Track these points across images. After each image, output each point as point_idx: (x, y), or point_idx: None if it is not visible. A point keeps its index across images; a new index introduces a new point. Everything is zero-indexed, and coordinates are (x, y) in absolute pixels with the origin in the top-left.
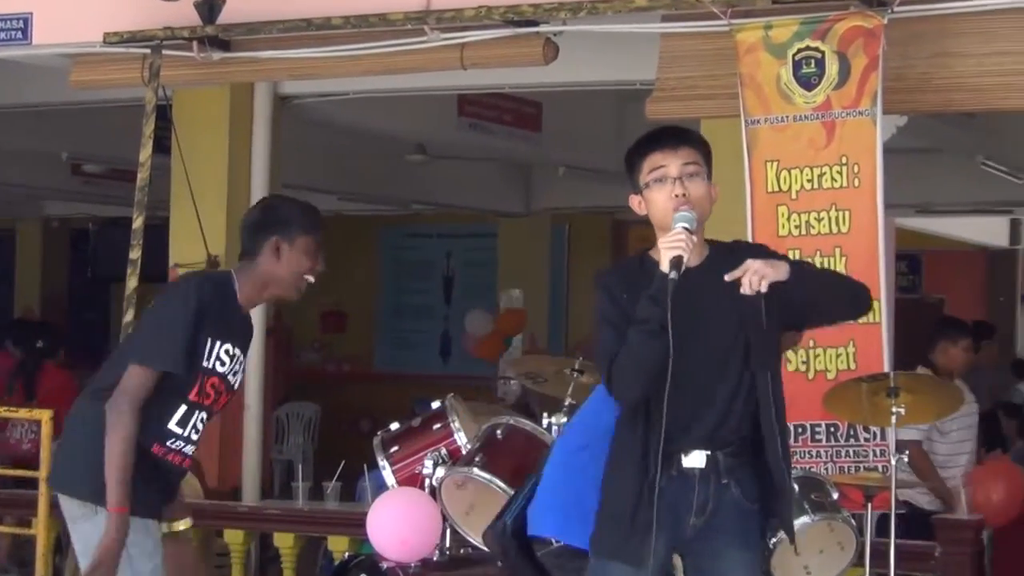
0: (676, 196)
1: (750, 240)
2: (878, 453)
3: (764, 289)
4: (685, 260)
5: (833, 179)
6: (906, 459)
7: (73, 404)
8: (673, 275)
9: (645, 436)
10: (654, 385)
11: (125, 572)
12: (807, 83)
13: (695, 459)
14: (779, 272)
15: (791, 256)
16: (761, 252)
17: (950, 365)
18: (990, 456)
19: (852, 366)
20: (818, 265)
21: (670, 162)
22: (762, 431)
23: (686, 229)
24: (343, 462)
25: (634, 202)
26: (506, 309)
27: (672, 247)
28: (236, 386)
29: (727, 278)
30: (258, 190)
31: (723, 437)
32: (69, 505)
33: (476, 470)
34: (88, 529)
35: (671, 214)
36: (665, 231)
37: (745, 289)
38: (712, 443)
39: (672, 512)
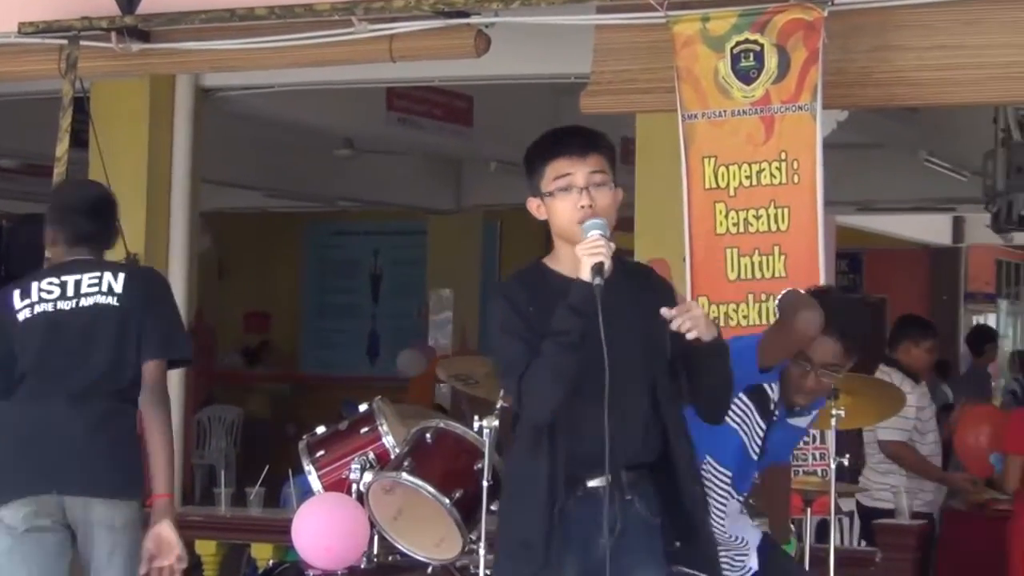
0: (582, 207)
1: (687, 238)
2: (817, 457)
3: (689, 336)
4: (607, 267)
5: (772, 175)
6: (846, 463)
7: (83, 408)
8: (598, 281)
9: (552, 458)
10: (564, 403)
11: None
12: (745, 77)
13: (599, 479)
14: (708, 333)
15: (729, 254)
16: (668, 291)
17: (915, 365)
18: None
19: None
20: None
21: (577, 170)
22: (672, 457)
23: (603, 236)
24: (267, 467)
25: (532, 205)
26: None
27: (593, 253)
28: None
29: (664, 313)
30: (179, 186)
31: (629, 460)
32: (116, 511)
33: (405, 475)
34: (138, 532)
35: (575, 225)
36: (566, 239)
37: (674, 324)
38: (616, 466)
39: (582, 535)
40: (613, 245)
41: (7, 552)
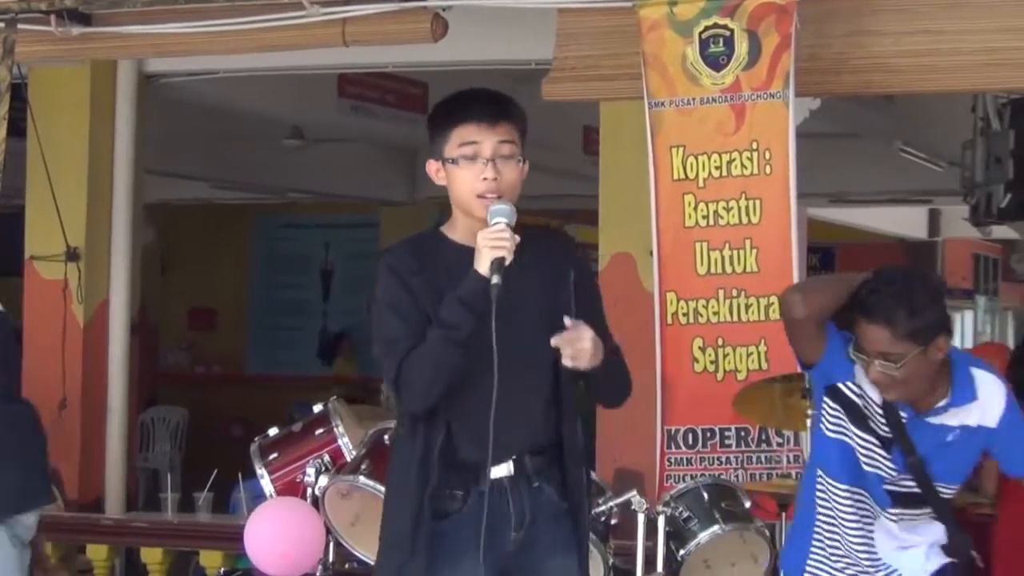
0: (485, 179)
1: (654, 231)
2: (792, 459)
3: (567, 364)
4: (507, 262)
5: (743, 166)
6: None
7: None
8: (496, 280)
9: (426, 443)
10: (448, 394)
11: None
12: (715, 63)
13: (502, 468)
14: (591, 362)
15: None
16: (571, 254)
17: None
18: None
19: (764, 366)
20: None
21: (484, 139)
22: (563, 437)
23: (508, 225)
24: (215, 471)
25: (431, 168)
26: None
27: (494, 246)
28: None
29: (553, 342)
30: (122, 176)
31: (531, 444)
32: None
33: (362, 478)
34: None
35: (475, 198)
36: (464, 210)
37: (565, 360)
38: (520, 451)
39: (490, 529)
40: (518, 238)
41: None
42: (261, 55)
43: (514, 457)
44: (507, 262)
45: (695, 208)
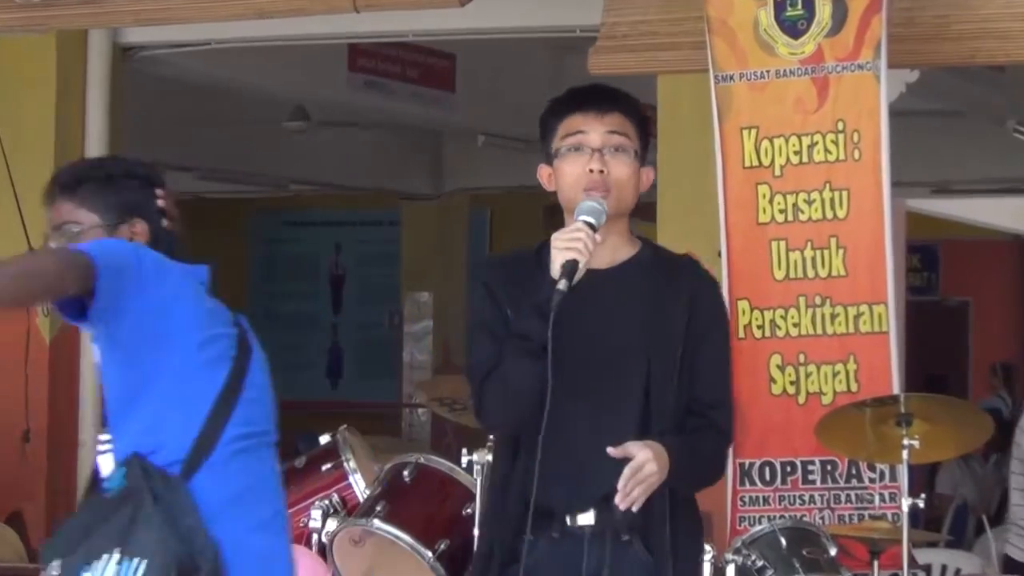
0: (591, 171)
1: (722, 228)
2: (887, 498)
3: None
4: (582, 265)
5: (827, 150)
6: (921, 504)
7: None
8: (562, 285)
9: (505, 479)
10: (531, 418)
11: None
12: (793, 29)
13: (585, 516)
14: (659, 476)
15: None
16: (712, 303)
17: None
18: None
19: (853, 387)
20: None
21: (592, 128)
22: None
23: (589, 225)
24: None
25: (543, 174)
26: None
27: (566, 247)
28: None
29: (612, 452)
30: None
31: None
32: None
33: (377, 522)
34: None
35: (577, 195)
36: (570, 212)
37: (619, 500)
38: (607, 497)
39: None
40: (599, 238)
41: None
42: (257, 23)
43: (599, 502)
44: (581, 265)
45: (771, 201)
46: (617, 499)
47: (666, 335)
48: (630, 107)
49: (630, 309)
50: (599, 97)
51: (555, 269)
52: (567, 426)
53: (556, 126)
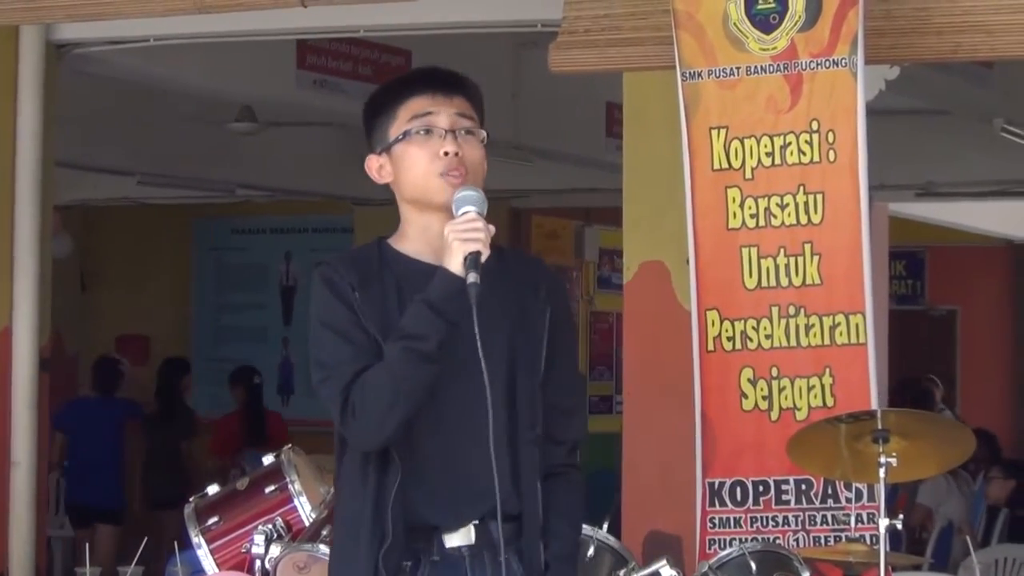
0: (446, 153)
1: (690, 234)
2: (864, 519)
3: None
4: (484, 256)
5: (801, 152)
6: (899, 525)
7: None
8: (473, 277)
9: (378, 496)
10: (405, 427)
11: None
12: (764, 23)
13: (463, 535)
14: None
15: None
16: (563, 289)
17: None
18: None
19: (829, 402)
20: None
21: (441, 109)
22: (523, 510)
23: (479, 214)
24: (144, 539)
25: (372, 165)
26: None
27: (468, 238)
28: None
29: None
30: (25, 171)
31: (500, 504)
32: None
33: (323, 547)
34: None
35: (434, 177)
36: (419, 202)
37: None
38: (484, 514)
39: None
40: (493, 228)
41: None
42: (199, 18)
43: (476, 522)
44: (483, 258)
45: (741, 205)
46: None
47: (530, 340)
48: (474, 91)
49: (493, 313)
50: (445, 79)
51: (455, 263)
52: (436, 436)
53: (395, 111)
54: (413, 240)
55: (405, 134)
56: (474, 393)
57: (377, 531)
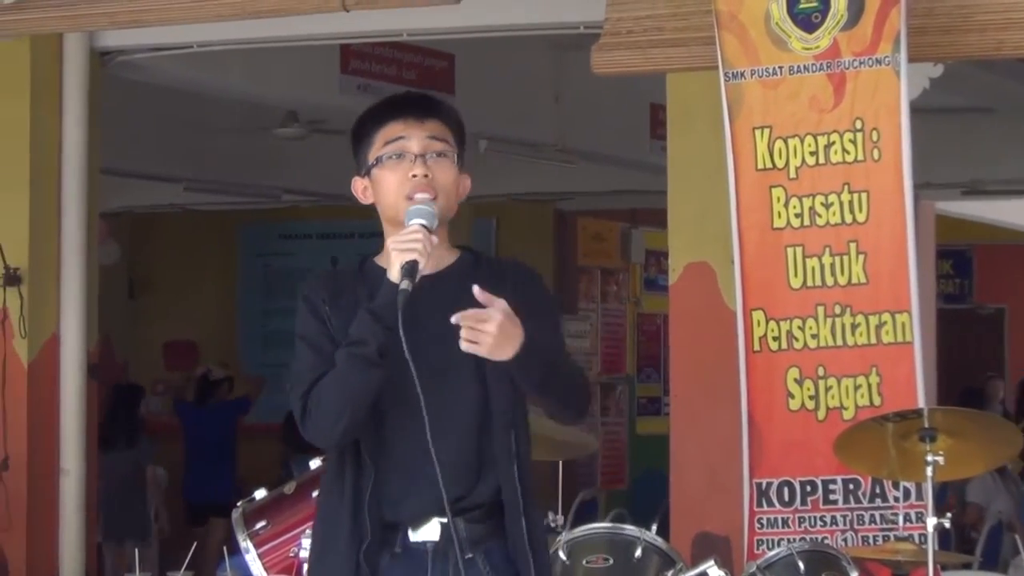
0: (414, 176)
1: (735, 234)
2: (912, 518)
3: (464, 348)
4: (421, 266)
5: (845, 151)
6: (947, 524)
7: None
8: (404, 284)
9: (356, 494)
10: (362, 429)
11: None
12: (807, 22)
13: (427, 531)
14: (499, 354)
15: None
16: (534, 277)
17: None
18: None
19: (876, 401)
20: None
21: (412, 134)
22: (502, 497)
23: (424, 227)
24: (195, 544)
25: (358, 188)
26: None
27: (405, 248)
28: None
29: (454, 319)
30: (72, 179)
31: (461, 502)
32: None
33: None
34: None
35: (403, 200)
36: (393, 223)
37: (463, 343)
38: (449, 509)
39: None
40: (436, 239)
41: None
42: (243, 24)
43: (443, 521)
44: (421, 266)
45: (786, 205)
46: (455, 318)
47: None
48: (448, 113)
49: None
50: (417, 104)
51: (395, 272)
52: (403, 436)
53: (373, 136)
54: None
55: (379, 159)
56: (447, 394)
57: (356, 530)
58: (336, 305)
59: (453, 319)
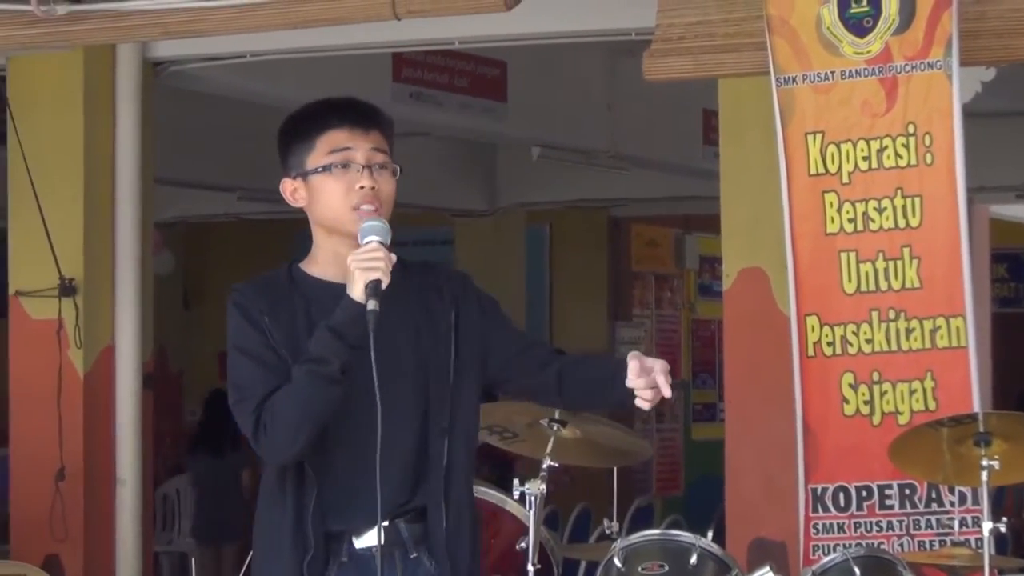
0: (362, 187)
1: (788, 239)
2: (969, 522)
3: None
4: (384, 284)
5: (897, 155)
6: (1003, 529)
7: None
8: (372, 304)
9: (298, 505)
10: (315, 442)
11: None
12: (858, 27)
13: (371, 537)
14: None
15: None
16: (467, 282)
17: None
18: None
19: (931, 406)
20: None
21: (358, 145)
22: (427, 508)
23: (382, 244)
24: (251, 554)
25: (287, 188)
26: None
27: (368, 267)
28: None
29: (633, 383)
30: (126, 188)
31: (403, 506)
32: None
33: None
34: None
35: (348, 211)
36: (334, 229)
37: (646, 401)
38: (391, 514)
39: None
40: (394, 257)
41: None
42: (294, 33)
43: (385, 524)
44: (384, 285)
45: (839, 210)
46: (638, 383)
47: (439, 342)
48: (388, 125)
49: (397, 323)
50: (362, 113)
51: (357, 290)
52: (346, 448)
53: (313, 141)
54: (323, 264)
55: (327, 167)
56: (389, 405)
57: (299, 541)
58: (275, 316)
59: (632, 383)
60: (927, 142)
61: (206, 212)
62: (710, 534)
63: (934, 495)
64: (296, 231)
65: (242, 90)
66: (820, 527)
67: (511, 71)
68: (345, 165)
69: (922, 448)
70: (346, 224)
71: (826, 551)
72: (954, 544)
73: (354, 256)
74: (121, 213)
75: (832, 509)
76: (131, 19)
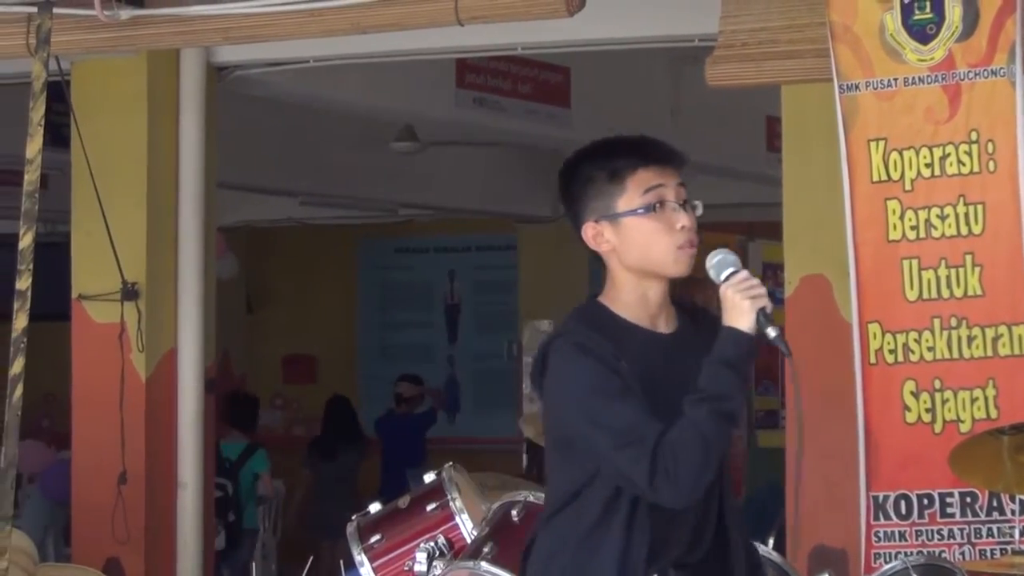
0: (684, 228)
1: (850, 246)
2: None
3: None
4: (769, 309)
5: (960, 162)
6: None
7: None
8: (774, 331)
9: (627, 538)
10: None
11: None
12: (921, 34)
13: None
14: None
15: (907, 267)
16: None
17: None
18: None
19: (993, 414)
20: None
21: (668, 182)
22: (730, 558)
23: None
24: (311, 558)
25: (588, 233)
26: None
27: (753, 295)
28: None
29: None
30: (189, 193)
31: (688, 556)
32: None
33: (485, 564)
34: None
35: (673, 251)
36: (652, 271)
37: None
38: (679, 565)
39: None
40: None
41: None
42: (358, 39)
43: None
44: (769, 309)
45: (901, 217)
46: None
47: None
48: (683, 161)
49: (689, 363)
50: (664, 150)
51: (745, 322)
52: None
53: (623, 181)
54: (631, 306)
55: (639, 209)
56: None
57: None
58: (627, 356)
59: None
60: (990, 149)
61: (269, 217)
62: (771, 542)
63: (995, 503)
64: (357, 236)
65: (305, 95)
66: (881, 535)
67: (575, 77)
68: (661, 204)
69: (983, 456)
70: (668, 266)
71: (887, 559)
72: (1015, 552)
73: (734, 288)
74: (184, 217)
75: (893, 517)
76: (194, 24)
